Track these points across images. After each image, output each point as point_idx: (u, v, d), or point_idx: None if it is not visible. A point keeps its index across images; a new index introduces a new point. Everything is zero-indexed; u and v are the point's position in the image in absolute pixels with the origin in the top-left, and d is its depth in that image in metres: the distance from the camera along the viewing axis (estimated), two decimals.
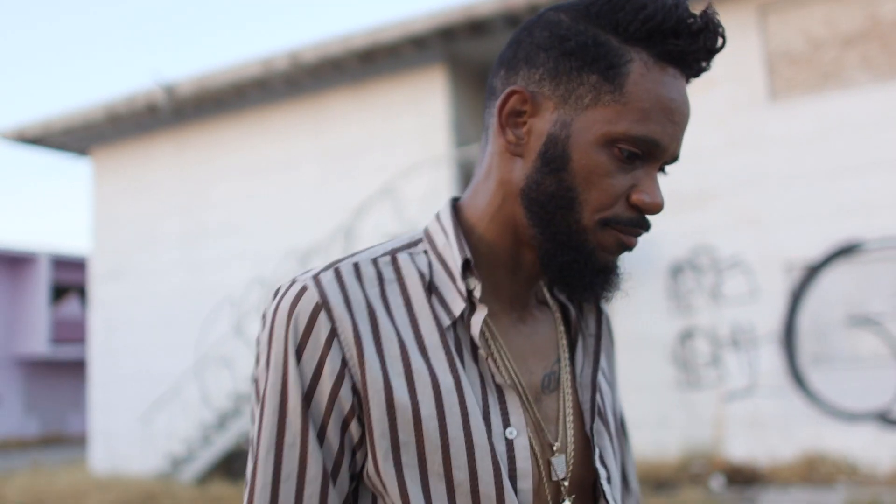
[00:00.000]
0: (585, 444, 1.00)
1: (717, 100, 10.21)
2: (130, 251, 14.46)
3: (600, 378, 1.06)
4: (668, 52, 0.90)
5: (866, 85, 9.63)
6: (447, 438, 0.88)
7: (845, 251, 9.50)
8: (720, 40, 0.90)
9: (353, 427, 0.89)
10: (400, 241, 1.00)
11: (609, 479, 1.00)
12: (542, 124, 0.92)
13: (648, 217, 0.94)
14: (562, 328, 1.04)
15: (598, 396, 1.03)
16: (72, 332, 26.11)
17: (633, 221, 0.92)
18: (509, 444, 0.91)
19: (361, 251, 0.98)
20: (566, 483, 0.96)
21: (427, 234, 1.00)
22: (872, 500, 7.71)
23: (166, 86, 12.87)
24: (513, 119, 0.94)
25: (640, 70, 0.89)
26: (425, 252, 0.98)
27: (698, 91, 10.17)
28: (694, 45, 0.90)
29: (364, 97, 12.54)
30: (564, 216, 0.91)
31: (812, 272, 9.65)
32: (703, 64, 0.93)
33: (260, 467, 0.88)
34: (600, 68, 0.89)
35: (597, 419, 1.02)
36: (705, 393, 10.05)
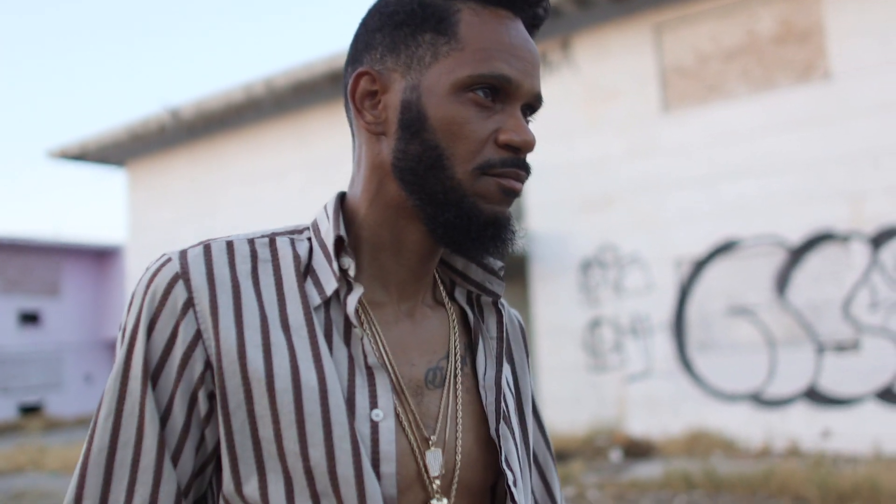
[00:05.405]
0: (489, 448, 0.97)
1: (618, 111, 11.30)
2: (158, 252, 16.53)
3: (504, 383, 1.00)
4: None
5: (744, 96, 10.54)
6: (302, 414, 0.84)
7: (725, 248, 10.50)
8: None
9: (202, 400, 0.86)
10: (284, 228, 0.99)
11: (516, 483, 0.96)
12: (395, 96, 0.90)
13: (527, 159, 0.92)
14: (457, 328, 1.00)
15: (502, 399, 0.98)
16: None
17: (508, 162, 0.89)
18: (374, 425, 0.87)
19: (242, 233, 0.96)
20: (438, 482, 0.91)
21: (313, 223, 0.99)
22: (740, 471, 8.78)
23: (171, 109, 14.78)
24: (368, 102, 0.92)
25: (470, 16, 0.89)
26: (309, 239, 0.96)
27: (602, 104, 11.30)
28: None
29: (337, 113, 14.12)
30: (436, 174, 0.88)
31: (698, 267, 10.69)
32: (537, 8, 0.94)
33: (98, 430, 0.86)
34: (431, 25, 0.89)
35: (502, 423, 0.98)
36: (610, 375, 11.25)
